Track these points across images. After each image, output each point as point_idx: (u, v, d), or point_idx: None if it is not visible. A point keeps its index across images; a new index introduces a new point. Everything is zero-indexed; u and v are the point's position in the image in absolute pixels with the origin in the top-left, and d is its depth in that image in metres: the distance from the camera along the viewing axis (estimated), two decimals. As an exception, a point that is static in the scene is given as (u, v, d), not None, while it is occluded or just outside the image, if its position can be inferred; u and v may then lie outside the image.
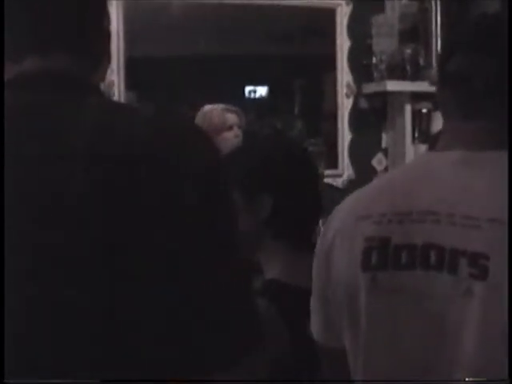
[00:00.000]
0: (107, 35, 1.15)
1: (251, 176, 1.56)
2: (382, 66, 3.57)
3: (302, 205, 1.56)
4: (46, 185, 0.97)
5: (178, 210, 0.97)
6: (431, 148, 1.23)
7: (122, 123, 1.01)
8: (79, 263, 0.95)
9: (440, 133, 1.22)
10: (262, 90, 3.99)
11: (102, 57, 1.15)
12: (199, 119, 3.28)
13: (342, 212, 1.23)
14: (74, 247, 0.95)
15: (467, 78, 1.15)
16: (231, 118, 3.23)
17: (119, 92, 3.27)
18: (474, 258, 1.05)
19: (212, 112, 3.24)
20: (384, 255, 1.12)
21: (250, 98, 3.93)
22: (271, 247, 1.55)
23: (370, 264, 1.13)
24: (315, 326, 1.28)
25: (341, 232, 1.19)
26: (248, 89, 3.94)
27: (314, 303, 1.27)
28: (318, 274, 1.24)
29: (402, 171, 1.35)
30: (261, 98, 3.96)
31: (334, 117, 3.75)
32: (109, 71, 1.22)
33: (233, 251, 1.05)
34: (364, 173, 3.69)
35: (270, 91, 3.99)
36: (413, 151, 3.65)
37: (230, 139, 3.15)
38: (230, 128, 3.20)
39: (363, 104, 3.72)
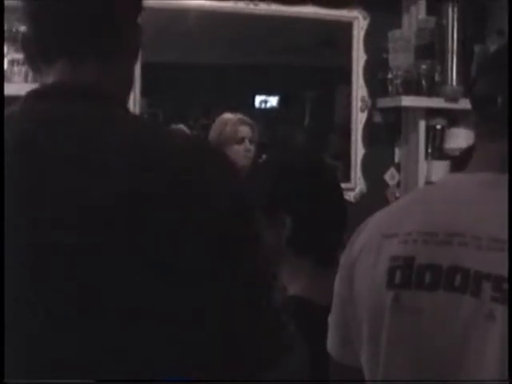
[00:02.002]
0: (136, 49, 1.15)
1: (273, 194, 1.55)
2: (398, 81, 3.57)
3: (325, 221, 1.55)
4: (67, 196, 0.97)
5: (194, 228, 0.97)
6: (454, 167, 1.24)
7: (146, 139, 1.01)
8: (90, 271, 0.95)
9: (468, 154, 1.22)
10: (273, 101, 3.99)
11: (130, 70, 1.15)
12: (215, 127, 3.28)
13: (368, 230, 1.22)
14: (81, 254, 0.95)
15: (492, 99, 1.15)
16: (244, 130, 3.22)
17: (134, 98, 3.27)
18: (497, 281, 1.05)
19: (226, 123, 3.24)
20: (408, 275, 1.12)
21: (260, 108, 3.93)
22: (294, 264, 1.54)
23: (394, 283, 1.13)
24: (332, 342, 1.28)
25: (366, 249, 1.19)
26: (259, 99, 3.94)
27: (332, 318, 1.27)
28: (340, 290, 1.24)
29: (430, 191, 1.35)
30: (271, 109, 3.95)
31: (345, 130, 3.74)
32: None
33: (259, 275, 1.04)
34: (376, 187, 3.69)
35: (282, 102, 3.99)
36: (426, 167, 3.64)
37: (240, 152, 3.14)
38: (241, 140, 3.19)
39: (377, 118, 3.72)
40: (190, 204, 0.97)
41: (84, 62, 1.07)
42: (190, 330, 0.97)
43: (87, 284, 0.95)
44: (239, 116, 3.24)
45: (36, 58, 1.11)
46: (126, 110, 1.11)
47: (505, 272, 1.04)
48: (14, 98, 1.09)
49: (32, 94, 1.07)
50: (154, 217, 0.95)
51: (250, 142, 3.21)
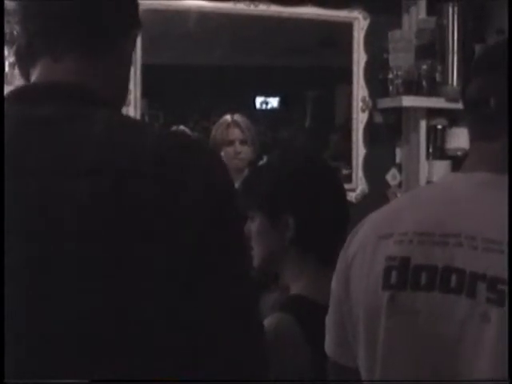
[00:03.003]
0: (130, 45, 1.15)
1: (276, 195, 1.56)
2: (398, 82, 3.56)
3: (327, 221, 1.56)
4: (52, 198, 0.96)
5: (184, 229, 0.96)
6: (458, 168, 1.24)
7: (132, 138, 1.01)
8: (81, 274, 0.95)
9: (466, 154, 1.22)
10: (273, 102, 3.98)
11: (120, 71, 1.14)
12: (213, 129, 3.30)
13: (364, 230, 1.22)
14: (74, 257, 0.95)
15: (486, 99, 1.15)
16: (234, 133, 3.23)
17: (135, 100, 3.27)
18: (492, 282, 1.05)
19: (219, 125, 3.26)
20: (403, 275, 1.12)
21: (261, 109, 3.93)
22: (297, 263, 1.55)
23: (390, 283, 1.13)
24: (329, 342, 1.28)
25: (362, 250, 1.19)
26: (259, 100, 3.93)
27: (329, 318, 1.28)
28: (337, 290, 1.24)
29: (426, 191, 1.35)
30: (272, 110, 3.95)
31: (346, 130, 3.74)
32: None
33: (244, 276, 1.04)
34: (378, 188, 3.68)
35: (282, 103, 3.99)
36: (427, 167, 3.64)
37: (230, 154, 3.16)
38: (231, 143, 3.20)
39: (378, 119, 3.71)
40: (168, 200, 0.97)
41: (65, 61, 1.07)
42: (167, 331, 0.97)
43: (75, 286, 0.95)
44: (235, 118, 3.25)
45: (23, 59, 1.11)
46: (113, 109, 1.09)
47: (500, 273, 1.04)
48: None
49: (9, 96, 1.07)
50: (135, 217, 0.95)
51: (242, 144, 3.22)
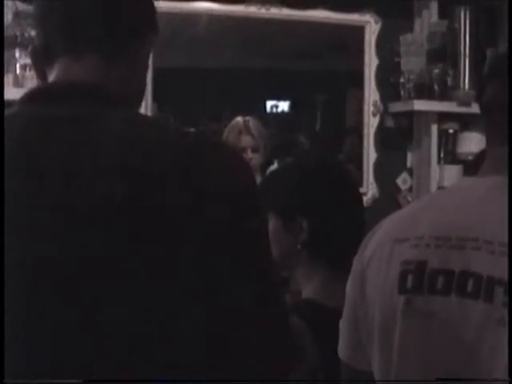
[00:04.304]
0: (146, 49, 1.15)
1: (291, 197, 1.55)
2: (410, 85, 3.55)
3: (342, 225, 1.55)
4: (73, 197, 0.96)
5: (205, 227, 0.96)
6: (469, 172, 1.23)
7: (151, 138, 1.00)
8: (103, 273, 0.95)
9: (481, 158, 1.22)
10: (284, 105, 3.98)
11: (138, 72, 1.14)
12: (225, 133, 3.30)
13: (380, 234, 1.22)
14: (86, 256, 0.95)
15: (502, 104, 1.15)
16: (245, 140, 3.24)
17: (146, 103, 3.27)
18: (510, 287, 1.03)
19: (230, 131, 3.26)
20: (420, 279, 1.11)
21: (271, 113, 3.92)
22: (309, 267, 1.55)
23: (406, 287, 1.13)
24: (343, 345, 1.27)
25: (378, 254, 1.18)
26: (270, 103, 3.93)
27: (344, 322, 1.27)
28: (352, 293, 1.24)
29: (442, 195, 1.34)
30: (283, 113, 3.95)
31: (357, 134, 3.73)
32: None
33: (266, 270, 1.04)
34: (388, 192, 3.67)
35: (293, 106, 3.98)
36: (438, 171, 3.62)
37: None
38: (243, 150, 3.21)
39: (389, 123, 3.70)
40: (195, 200, 0.96)
41: (84, 60, 1.07)
42: (199, 330, 0.97)
43: (86, 286, 0.95)
44: (247, 122, 3.25)
45: (40, 59, 1.11)
46: (129, 109, 1.09)
47: None
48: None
49: (28, 96, 1.07)
50: (157, 217, 0.95)
51: (253, 151, 3.23)
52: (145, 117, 1.17)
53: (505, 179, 1.13)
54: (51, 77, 1.09)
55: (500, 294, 1.04)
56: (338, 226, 1.55)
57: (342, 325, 1.27)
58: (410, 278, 1.12)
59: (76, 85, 1.06)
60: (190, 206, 0.96)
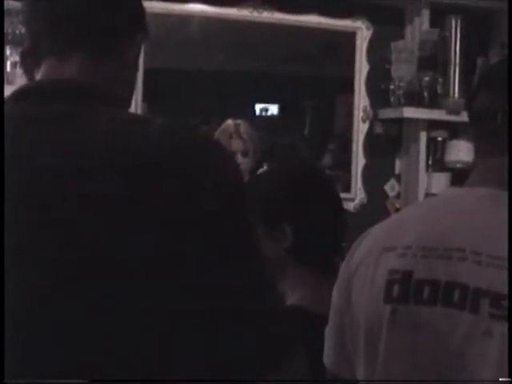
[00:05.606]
0: (135, 49, 1.14)
1: (272, 204, 1.55)
2: (400, 92, 3.56)
3: (325, 230, 1.55)
4: (59, 197, 0.96)
5: (195, 222, 0.96)
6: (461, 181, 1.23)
7: (138, 135, 1.00)
8: (88, 274, 0.95)
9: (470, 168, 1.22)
10: (273, 109, 3.98)
11: (126, 69, 1.14)
12: (215, 136, 3.30)
13: (367, 241, 1.22)
14: (80, 255, 0.95)
15: (492, 114, 1.15)
16: (235, 144, 3.24)
17: (136, 103, 3.26)
18: (496, 298, 1.04)
19: (221, 133, 3.26)
20: (406, 289, 1.11)
21: (261, 116, 3.93)
22: (294, 273, 1.54)
23: (392, 297, 1.12)
24: (328, 353, 1.27)
25: (365, 262, 1.18)
26: (259, 106, 3.93)
27: (329, 329, 1.27)
28: (338, 301, 1.24)
29: (430, 204, 1.34)
30: (272, 117, 3.95)
31: (346, 140, 3.74)
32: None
33: (254, 260, 1.04)
34: (376, 198, 3.68)
35: (282, 110, 3.99)
36: (426, 179, 3.63)
37: None
38: (234, 154, 3.20)
39: (379, 129, 3.71)
40: (182, 201, 0.96)
41: (70, 60, 1.07)
42: (190, 329, 0.97)
43: (82, 286, 0.95)
44: (238, 126, 3.25)
45: (28, 58, 1.11)
46: (117, 108, 1.08)
47: (504, 289, 1.03)
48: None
49: (14, 95, 1.07)
50: (146, 217, 0.95)
51: (244, 155, 3.23)
52: (132, 115, 1.16)
53: (494, 191, 1.13)
54: (38, 76, 1.09)
55: (486, 305, 1.04)
56: (321, 231, 1.55)
57: (328, 332, 1.26)
58: (396, 287, 1.12)
59: (62, 84, 1.06)
60: (180, 199, 0.96)
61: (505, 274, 1.04)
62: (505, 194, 1.11)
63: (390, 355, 1.12)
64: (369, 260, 1.18)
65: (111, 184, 0.95)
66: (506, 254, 1.05)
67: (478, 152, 1.21)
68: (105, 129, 1.00)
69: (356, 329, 1.18)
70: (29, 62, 1.11)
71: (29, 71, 1.12)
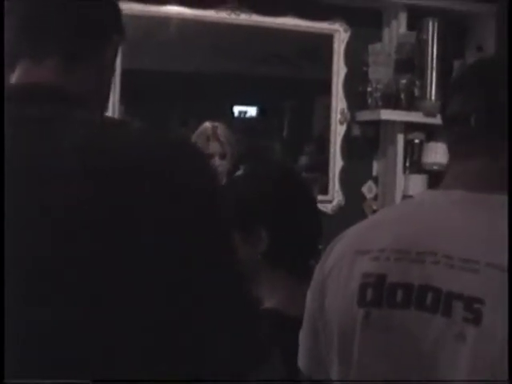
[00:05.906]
0: (111, 50, 1.14)
1: (248, 208, 1.55)
2: (377, 95, 3.57)
3: (300, 233, 1.55)
4: (36, 200, 0.95)
5: (172, 225, 0.96)
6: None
7: (114, 138, 1.00)
8: (72, 275, 0.94)
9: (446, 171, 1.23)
10: (251, 111, 3.98)
11: (101, 70, 1.13)
12: (193, 138, 3.29)
13: (341, 245, 1.22)
14: (65, 259, 0.94)
15: (466, 117, 1.16)
16: (214, 146, 3.23)
17: (113, 105, 3.25)
18: (469, 302, 1.04)
19: (199, 136, 3.25)
20: (379, 292, 1.12)
21: (239, 118, 3.92)
22: (270, 277, 1.54)
23: (365, 300, 1.13)
24: (302, 356, 1.27)
25: (339, 264, 1.19)
26: (238, 108, 3.93)
27: (303, 332, 1.27)
28: (312, 305, 1.24)
29: (404, 207, 1.35)
30: (250, 119, 3.95)
31: (323, 142, 3.74)
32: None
33: (230, 262, 1.04)
34: (354, 200, 3.68)
35: (260, 112, 3.98)
36: (403, 180, 3.65)
37: None
38: (210, 156, 3.20)
39: (356, 131, 3.72)
40: (160, 203, 0.96)
41: (44, 63, 1.06)
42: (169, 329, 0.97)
43: (76, 285, 0.95)
44: (215, 129, 3.24)
45: (4, 61, 1.10)
46: (91, 110, 1.08)
47: (477, 293, 1.04)
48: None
49: None
50: (121, 220, 0.94)
51: (221, 158, 3.22)
52: (108, 118, 1.16)
53: (468, 194, 1.13)
54: (12, 79, 1.08)
55: (459, 308, 1.05)
56: (297, 235, 1.55)
57: (302, 335, 1.27)
58: (369, 290, 1.12)
59: (37, 87, 1.05)
60: (155, 203, 0.96)
61: (477, 277, 1.04)
62: (477, 197, 1.11)
63: (364, 358, 1.13)
64: (342, 263, 1.18)
65: (85, 187, 0.95)
66: (478, 257, 1.05)
67: (452, 155, 1.22)
68: (80, 132, 0.99)
69: (329, 332, 1.18)
70: (3, 64, 1.10)
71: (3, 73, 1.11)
